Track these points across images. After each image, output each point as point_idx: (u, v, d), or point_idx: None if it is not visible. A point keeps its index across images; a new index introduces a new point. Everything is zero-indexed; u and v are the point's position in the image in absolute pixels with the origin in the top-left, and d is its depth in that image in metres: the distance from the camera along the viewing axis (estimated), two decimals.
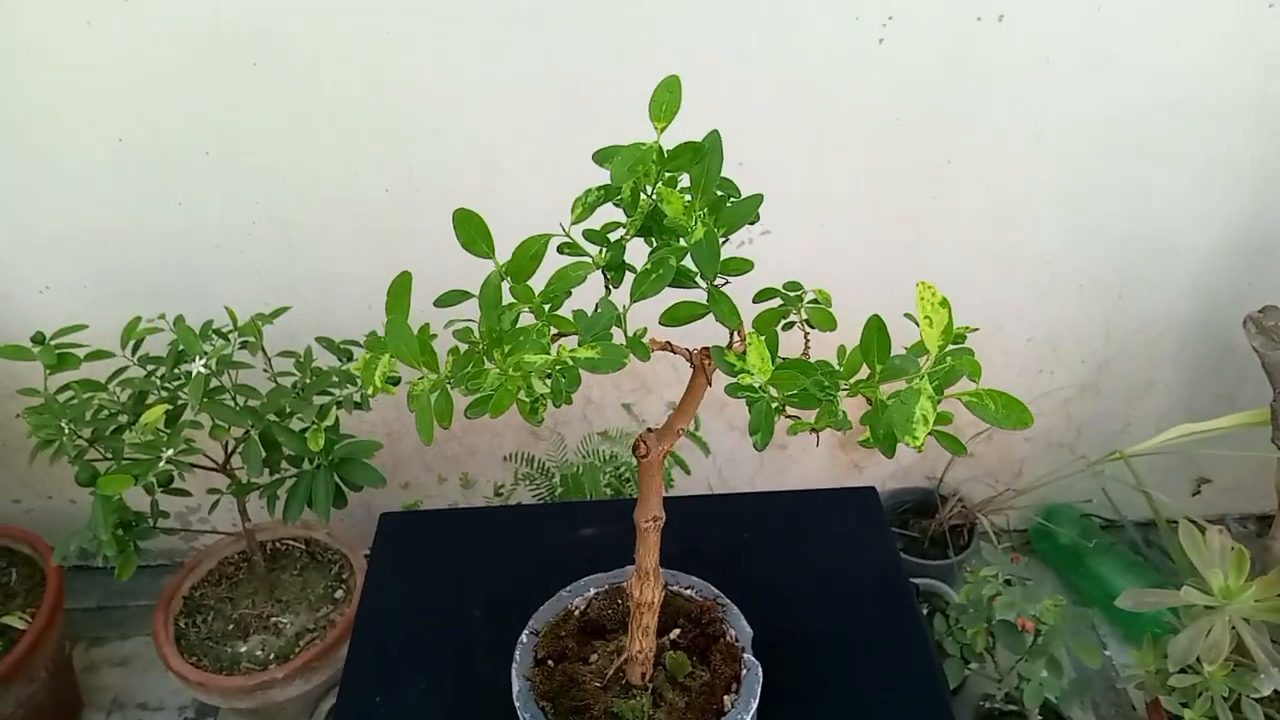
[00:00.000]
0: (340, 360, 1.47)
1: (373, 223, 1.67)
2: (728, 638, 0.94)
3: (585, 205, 0.67)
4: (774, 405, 0.65)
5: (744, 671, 0.90)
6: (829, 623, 1.09)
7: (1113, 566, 1.94)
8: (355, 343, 1.52)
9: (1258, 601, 1.44)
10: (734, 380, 0.66)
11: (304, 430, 1.36)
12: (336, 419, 1.39)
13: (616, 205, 0.69)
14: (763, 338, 0.66)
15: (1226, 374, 1.89)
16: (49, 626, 1.65)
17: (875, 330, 0.64)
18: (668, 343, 0.75)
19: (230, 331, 1.46)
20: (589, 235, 0.69)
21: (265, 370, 1.45)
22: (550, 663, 0.93)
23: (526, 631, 0.95)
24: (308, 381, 1.41)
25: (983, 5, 1.47)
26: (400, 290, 0.67)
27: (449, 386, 0.63)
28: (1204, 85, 1.55)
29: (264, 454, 1.40)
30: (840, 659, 1.05)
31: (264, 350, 1.44)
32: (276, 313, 1.46)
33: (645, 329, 0.70)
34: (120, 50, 1.48)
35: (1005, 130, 1.59)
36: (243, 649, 1.62)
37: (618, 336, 0.67)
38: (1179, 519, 1.52)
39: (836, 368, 0.67)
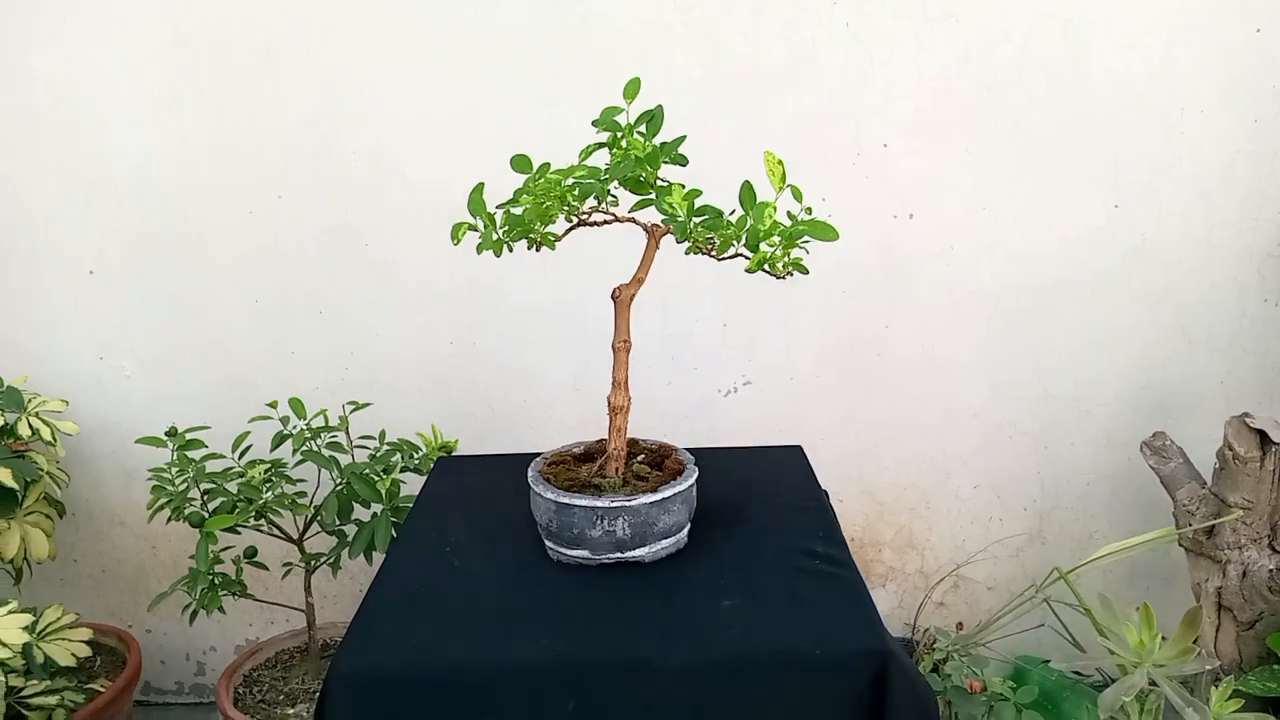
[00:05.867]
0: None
1: (439, 373, 2.13)
2: (676, 456, 1.30)
3: (586, 152, 1.14)
4: (689, 224, 1.07)
5: (686, 468, 1.25)
6: (754, 497, 1.44)
7: (1086, 704, 2.09)
8: (416, 446, 1.92)
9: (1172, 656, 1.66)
10: (666, 217, 1.08)
11: (375, 483, 1.73)
12: (397, 483, 1.77)
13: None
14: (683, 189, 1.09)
15: (1160, 527, 2.18)
16: (126, 689, 1.90)
17: (748, 189, 1.07)
18: (631, 216, 1.17)
19: (320, 428, 1.88)
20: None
21: (347, 449, 1.85)
22: (554, 467, 1.30)
23: (537, 460, 1.32)
24: (382, 449, 1.80)
25: (898, 205, 2.01)
26: (479, 190, 1.12)
27: (501, 233, 1.06)
28: (1075, 267, 2.03)
29: (338, 512, 1.76)
30: (762, 510, 1.40)
31: (348, 433, 1.85)
32: (362, 405, 1.89)
33: (617, 200, 1.13)
34: (271, 236, 2.05)
35: (929, 302, 2.07)
36: (290, 712, 1.85)
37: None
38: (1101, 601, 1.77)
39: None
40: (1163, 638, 1.71)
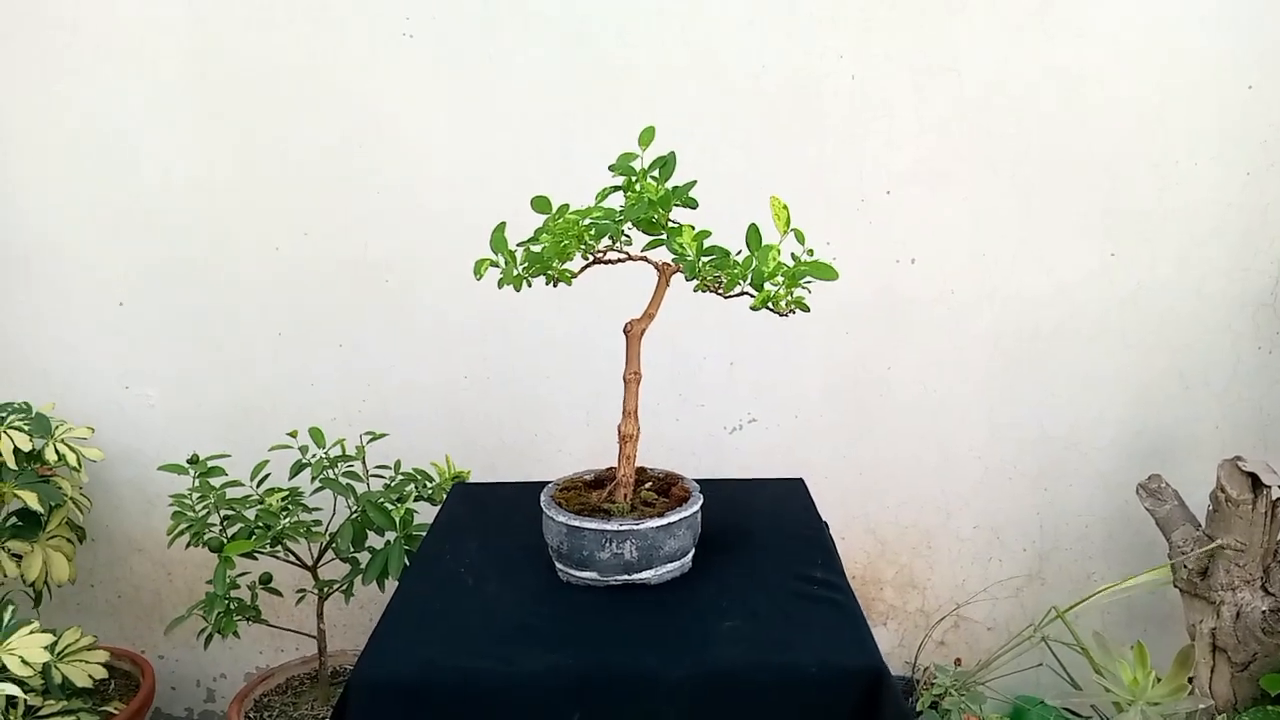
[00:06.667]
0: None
1: (454, 405, 2.19)
2: (682, 484, 1.37)
3: (602, 195, 1.21)
4: (698, 264, 1.13)
5: (691, 496, 1.31)
6: (756, 525, 1.49)
7: None
8: (429, 476, 1.97)
9: (1165, 694, 1.69)
10: (676, 256, 1.14)
11: (390, 511, 1.79)
12: (410, 511, 1.82)
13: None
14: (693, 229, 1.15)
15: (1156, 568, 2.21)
16: (140, 711, 1.94)
17: (754, 232, 1.13)
18: (643, 255, 1.24)
19: (338, 457, 1.94)
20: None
21: (363, 478, 1.91)
22: (565, 493, 1.37)
23: (549, 486, 1.38)
24: (397, 479, 1.86)
25: (900, 250, 2.08)
26: (501, 228, 1.19)
27: (521, 269, 1.13)
28: (1073, 312, 2.09)
29: (353, 539, 1.81)
30: (763, 538, 1.46)
31: (364, 462, 1.91)
32: (379, 436, 1.95)
33: (631, 239, 1.20)
34: (295, 268, 2.12)
35: (929, 344, 2.12)
36: None
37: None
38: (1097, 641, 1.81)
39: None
40: (1157, 677, 1.74)
